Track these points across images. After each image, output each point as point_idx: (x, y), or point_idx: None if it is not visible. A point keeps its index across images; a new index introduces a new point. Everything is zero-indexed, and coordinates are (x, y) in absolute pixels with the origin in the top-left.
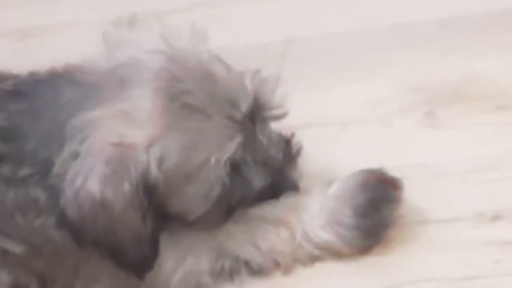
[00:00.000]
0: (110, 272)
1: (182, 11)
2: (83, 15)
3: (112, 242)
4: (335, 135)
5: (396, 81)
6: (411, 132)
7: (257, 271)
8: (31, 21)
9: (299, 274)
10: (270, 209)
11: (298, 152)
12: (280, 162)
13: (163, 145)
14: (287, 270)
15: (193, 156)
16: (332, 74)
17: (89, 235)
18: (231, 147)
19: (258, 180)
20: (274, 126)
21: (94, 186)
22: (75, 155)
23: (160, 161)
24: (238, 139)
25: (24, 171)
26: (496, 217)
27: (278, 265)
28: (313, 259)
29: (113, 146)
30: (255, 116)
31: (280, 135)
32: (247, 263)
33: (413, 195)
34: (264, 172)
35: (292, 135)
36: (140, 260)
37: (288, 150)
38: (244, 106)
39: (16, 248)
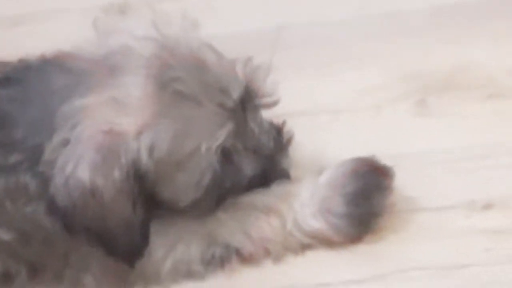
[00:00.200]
0: (100, 260)
1: None
2: (74, 2)
3: (102, 229)
4: (326, 124)
5: (388, 69)
6: (402, 120)
7: (248, 259)
8: (22, 8)
9: (290, 263)
10: (261, 197)
11: (289, 140)
12: (271, 150)
13: (154, 133)
14: (277, 258)
15: (184, 143)
16: (324, 62)
17: (79, 222)
18: (222, 134)
19: (249, 168)
20: (266, 114)
21: (84, 173)
22: (65, 142)
23: (151, 149)
24: (229, 126)
25: (14, 158)
26: (487, 206)
27: (268, 253)
28: (304, 248)
29: (103, 134)
30: (246, 103)
31: (271, 123)
32: (237, 251)
33: (404, 183)
34: (255, 160)
35: (283, 123)
36: (130, 248)
37: (279, 138)
38: (235, 94)
39: (5, 235)
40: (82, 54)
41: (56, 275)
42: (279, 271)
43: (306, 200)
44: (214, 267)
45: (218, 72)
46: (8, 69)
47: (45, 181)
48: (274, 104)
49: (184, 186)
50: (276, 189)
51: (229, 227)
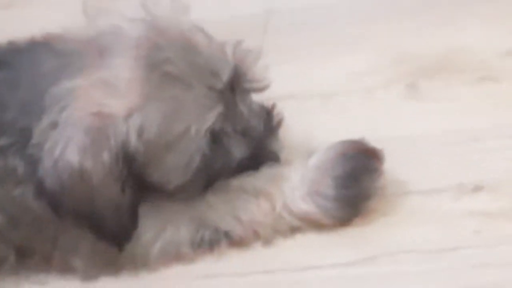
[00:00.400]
0: (89, 243)
1: None
2: None
3: (90, 212)
4: (316, 107)
5: (378, 53)
6: (393, 104)
7: (237, 242)
8: None
9: (279, 245)
10: (250, 180)
11: (279, 123)
12: (260, 133)
13: (143, 115)
14: (267, 241)
15: (173, 125)
16: (315, 46)
17: (67, 205)
18: (211, 117)
19: (238, 150)
20: (256, 97)
21: (73, 155)
22: (54, 125)
23: (140, 131)
24: (219, 109)
25: (3, 141)
26: (477, 188)
27: (258, 236)
28: (293, 230)
29: (92, 116)
30: (236, 86)
31: (261, 106)
32: (227, 234)
33: (394, 166)
34: (244, 143)
35: (273, 106)
36: (119, 231)
37: (269, 121)
38: (225, 76)
39: None
40: (71, 36)
41: (45, 258)
42: (269, 253)
43: (295, 182)
44: (203, 250)
45: (208, 54)
46: None
47: (33, 163)
48: (264, 88)
49: (173, 168)
50: (266, 171)
51: (218, 209)
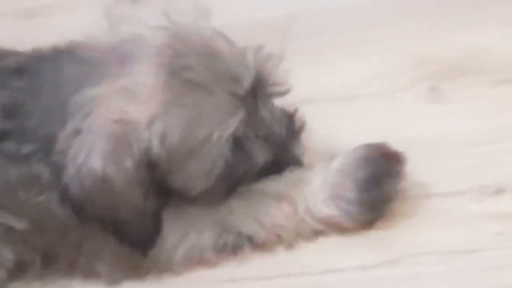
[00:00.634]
0: (113, 248)
1: None
2: None
3: (114, 218)
4: (338, 110)
5: (398, 56)
6: (413, 106)
7: (260, 246)
8: (35, 1)
9: (302, 249)
10: (272, 184)
11: (301, 127)
12: (283, 138)
13: (165, 121)
14: (290, 245)
15: (195, 132)
16: (336, 49)
17: (91, 211)
18: (233, 123)
19: (260, 155)
20: (278, 101)
21: (96, 162)
22: (77, 132)
23: (162, 137)
24: (240, 115)
25: (27, 148)
26: (499, 190)
27: (281, 240)
28: (315, 234)
29: (115, 123)
30: (258, 91)
31: (283, 111)
32: (250, 239)
33: (416, 169)
34: (267, 148)
35: (295, 110)
36: (142, 237)
37: (291, 125)
38: (247, 82)
39: (19, 224)
40: (93, 44)
41: (69, 264)
42: (292, 257)
43: (317, 186)
44: (226, 254)
45: (229, 60)
46: (21, 59)
47: (58, 170)
48: (286, 92)
49: (196, 175)
50: (288, 176)
51: (241, 214)
